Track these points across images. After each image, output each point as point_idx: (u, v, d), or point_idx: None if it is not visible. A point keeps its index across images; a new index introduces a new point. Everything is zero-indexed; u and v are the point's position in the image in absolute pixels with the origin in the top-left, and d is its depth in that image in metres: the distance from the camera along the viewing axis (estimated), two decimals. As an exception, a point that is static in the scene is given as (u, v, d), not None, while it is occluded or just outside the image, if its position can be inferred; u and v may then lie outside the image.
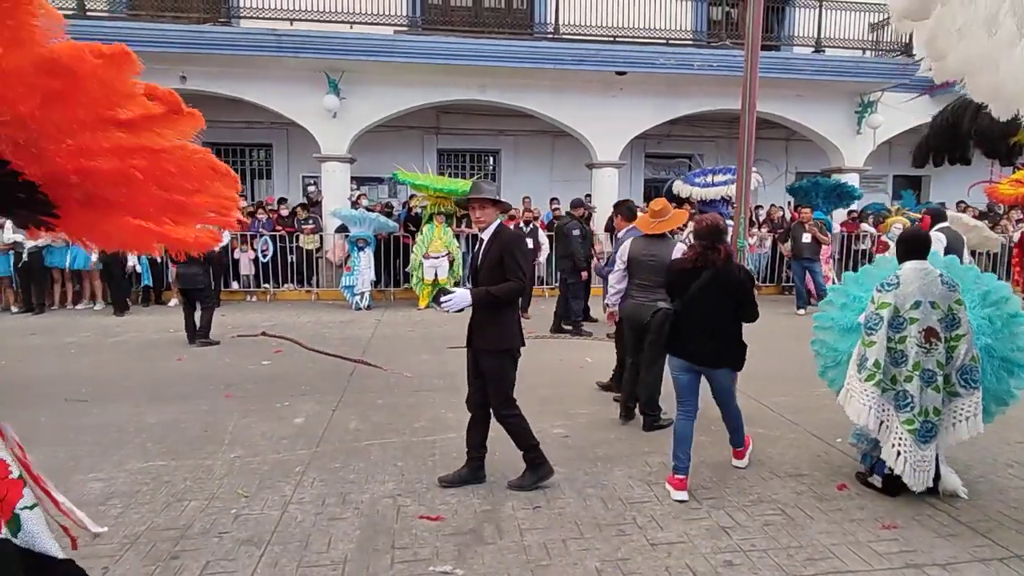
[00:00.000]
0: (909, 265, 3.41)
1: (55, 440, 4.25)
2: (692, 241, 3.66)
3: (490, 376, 3.45)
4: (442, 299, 3.33)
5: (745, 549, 2.94)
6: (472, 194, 3.49)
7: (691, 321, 3.51)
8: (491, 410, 3.51)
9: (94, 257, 9.29)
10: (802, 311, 9.78)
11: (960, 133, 5.23)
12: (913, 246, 3.47)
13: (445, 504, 3.35)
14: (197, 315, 7.47)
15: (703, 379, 3.63)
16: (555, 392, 5.32)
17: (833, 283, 7.86)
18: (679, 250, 4.32)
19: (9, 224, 9.14)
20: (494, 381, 3.44)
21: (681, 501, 3.40)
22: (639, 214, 5.13)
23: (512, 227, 9.26)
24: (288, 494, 3.47)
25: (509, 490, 3.52)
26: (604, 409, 5.00)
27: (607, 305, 4.96)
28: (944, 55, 2.80)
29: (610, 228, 12.02)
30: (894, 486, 3.45)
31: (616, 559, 2.85)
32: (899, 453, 3.33)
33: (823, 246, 10.29)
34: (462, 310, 3.43)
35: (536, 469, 3.56)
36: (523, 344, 3.52)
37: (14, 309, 9.64)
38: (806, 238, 9.98)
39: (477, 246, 3.56)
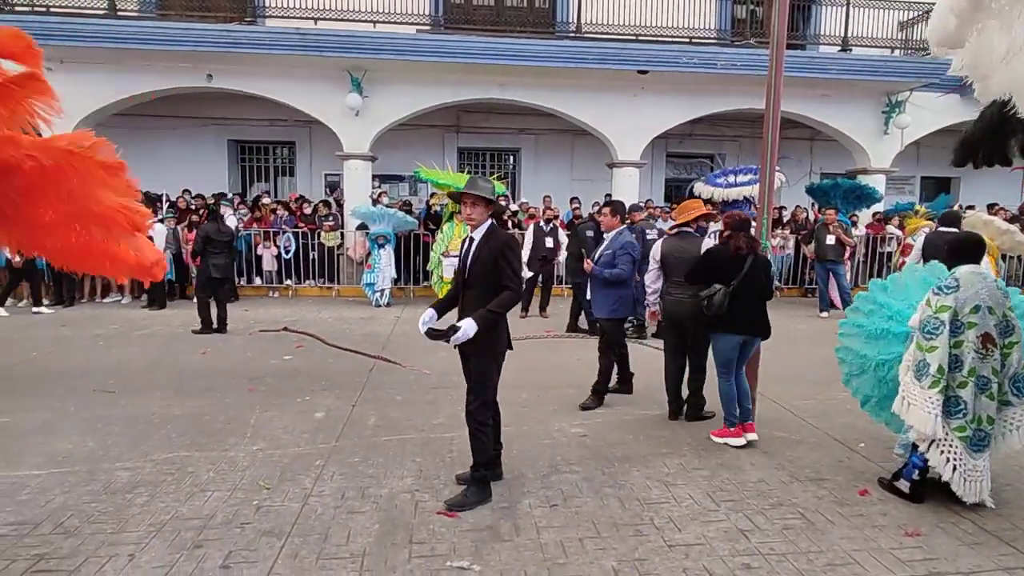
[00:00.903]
0: (965, 269, 3.32)
1: (84, 430, 4.37)
2: (727, 233, 4.26)
3: (476, 378, 3.34)
4: (451, 337, 3.16)
5: (764, 553, 2.92)
6: (467, 188, 3.33)
7: (744, 299, 4.11)
8: (466, 410, 3.36)
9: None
10: (825, 314, 9.63)
11: (1009, 129, 5.04)
12: (966, 249, 3.40)
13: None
14: (213, 311, 7.76)
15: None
16: (573, 392, 5.32)
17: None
18: (708, 245, 4.68)
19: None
20: (479, 384, 3.33)
21: (742, 446, 4.15)
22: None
23: (533, 226, 9.29)
24: (308, 487, 3.52)
25: (452, 504, 3.30)
26: (622, 409, 4.98)
27: (648, 304, 5.05)
28: (987, 77, 2.80)
29: (630, 227, 12.00)
30: (919, 493, 3.39)
31: (633, 559, 2.84)
32: (948, 460, 3.25)
33: (847, 248, 10.12)
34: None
35: (482, 489, 3.38)
36: (510, 348, 3.43)
37: (46, 302, 9.89)
38: (830, 240, 9.82)
39: (466, 245, 3.40)
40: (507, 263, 3.24)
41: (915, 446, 3.40)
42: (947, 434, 3.25)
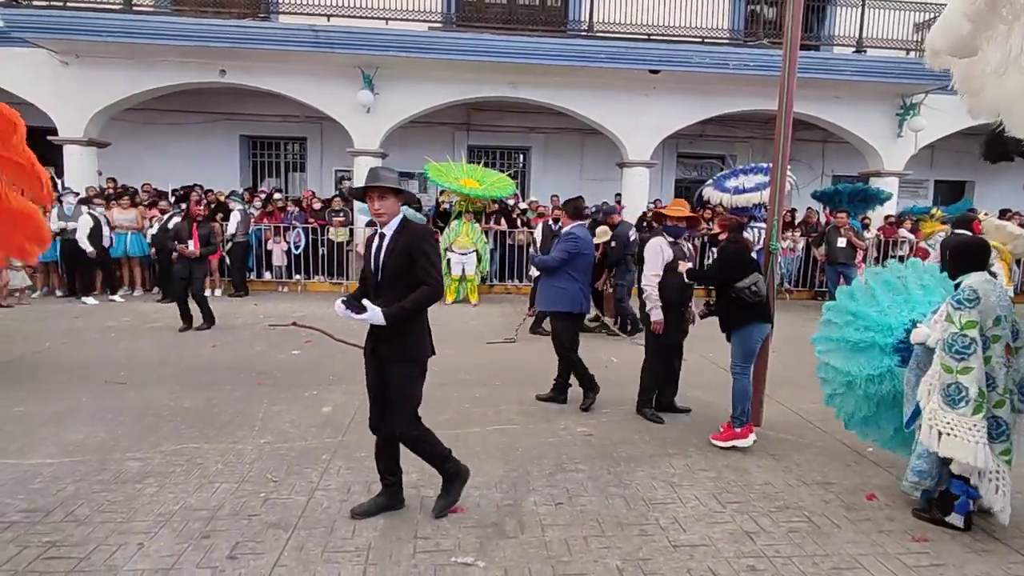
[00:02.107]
0: (978, 277, 3.09)
1: (95, 420, 4.42)
2: (730, 236, 4.46)
3: (396, 390, 2.99)
4: (355, 314, 2.91)
5: (769, 555, 2.91)
6: (369, 181, 2.99)
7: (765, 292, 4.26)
8: (396, 432, 3.05)
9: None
10: None
11: None
12: (972, 254, 3.16)
13: (467, 497, 3.38)
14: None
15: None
16: (580, 391, 5.31)
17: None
18: (660, 246, 4.72)
19: (55, 212, 9.49)
20: (400, 397, 2.99)
21: (752, 443, 4.18)
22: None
23: (542, 225, 9.29)
24: (315, 480, 3.54)
25: (440, 510, 3.19)
26: (628, 409, 4.98)
27: (651, 309, 4.71)
28: (979, 91, 2.72)
29: (639, 227, 11.97)
30: (970, 521, 3.17)
31: (637, 559, 2.84)
32: (998, 488, 3.02)
33: (858, 251, 10.06)
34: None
35: (453, 479, 3.21)
36: (433, 353, 3.12)
37: (59, 293, 10.00)
38: (841, 242, 9.76)
39: (377, 241, 3.02)
40: (427, 259, 2.93)
41: (951, 472, 3.15)
42: (994, 460, 2.99)
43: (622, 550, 2.91)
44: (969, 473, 3.08)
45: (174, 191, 11.89)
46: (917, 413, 3.28)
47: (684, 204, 5.15)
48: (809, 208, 12.63)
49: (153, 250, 9.96)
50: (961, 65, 2.84)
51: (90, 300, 9.41)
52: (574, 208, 5.25)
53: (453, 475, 3.24)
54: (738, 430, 4.21)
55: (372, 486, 3.49)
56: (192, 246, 7.66)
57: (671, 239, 4.80)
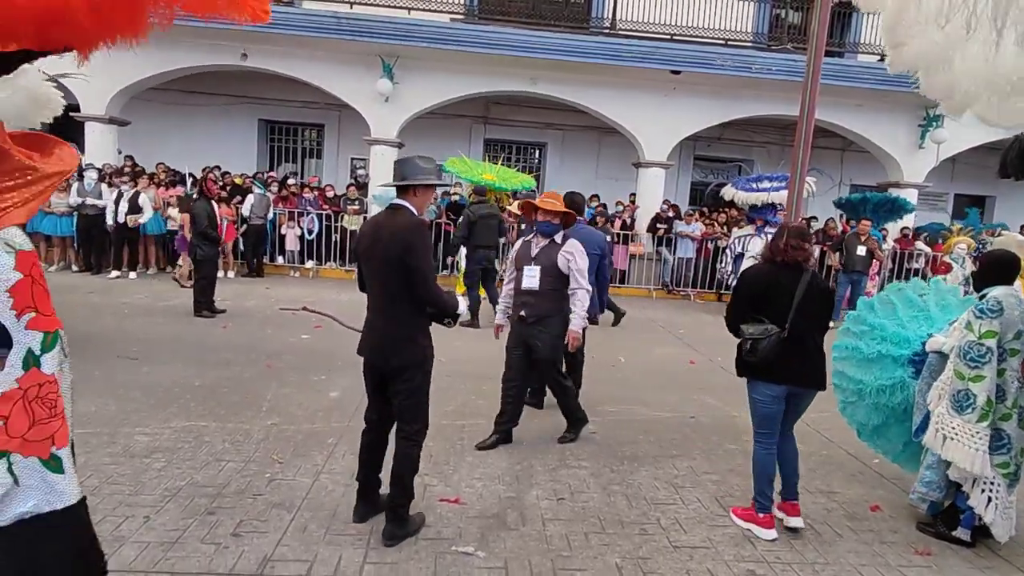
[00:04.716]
0: (1004, 290, 3.10)
1: (106, 393, 4.48)
2: (782, 243, 3.12)
3: (409, 395, 2.83)
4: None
5: (769, 560, 2.90)
6: (421, 178, 2.83)
7: (792, 336, 3.03)
8: (402, 432, 2.87)
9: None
10: (833, 323, 9.54)
11: None
12: (1002, 267, 3.16)
13: (471, 488, 3.40)
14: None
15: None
16: (586, 388, 5.31)
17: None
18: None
19: (75, 187, 9.60)
20: (413, 402, 2.85)
21: (773, 540, 3.06)
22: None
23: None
24: (320, 463, 3.58)
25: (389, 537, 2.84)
26: (633, 409, 4.98)
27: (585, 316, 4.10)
28: (902, 44, 2.66)
29: (652, 228, 11.93)
30: (975, 537, 3.17)
31: (637, 557, 2.85)
32: (990, 499, 3.05)
33: (874, 261, 9.97)
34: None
35: (406, 522, 2.87)
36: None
37: (74, 268, 10.13)
38: (861, 251, 9.64)
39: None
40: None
41: (959, 486, 3.17)
42: (989, 471, 3.03)
43: (622, 548, 2.92)
44: (964, 480, 3.12)
45: (190, 174, 11.99)
46: (927, 423, 3.28)
47: (558, 197, 4.18)
48: (831, 219, 12.38)
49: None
50: (888, 18, 2.80)
51: (113, 273, 9.59)
52: (571, 203, 4.82)
53: (404, 519, 2.87)
54: (760, 516, 3.16)
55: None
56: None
57: (544, 239, 4.00)
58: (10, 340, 1.40)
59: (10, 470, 1.45)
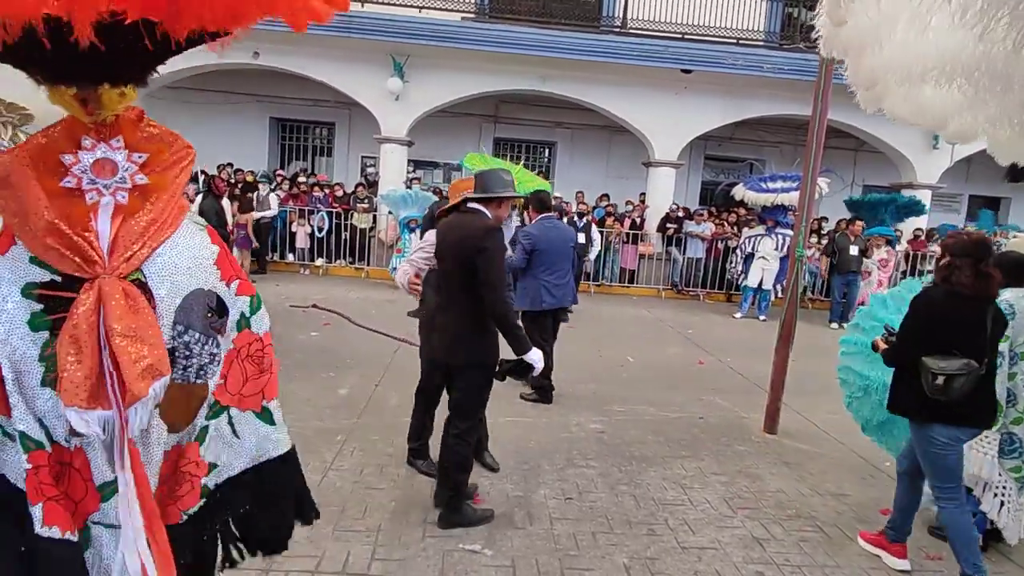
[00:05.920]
0: (1017, 293, 3.05)
1: (118, 389, 4.52)
2: (950, 261, 2.69)
3: (467, 391, 3.00)
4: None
5: (778, 563, 2.89)
6: (500, 190, 2.95)
7: (991, 369, 2.72)
8: (454, 428, 2.97)
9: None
10: (834, 324, 9.50)
11: None
12: (1018, 271, 3.12)
13: (479, 486, 3.40)
14: None
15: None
16: (594, 388, 5.32)
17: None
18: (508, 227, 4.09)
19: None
20: (469, 398, 3.01)
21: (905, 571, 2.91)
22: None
23: (564, 221, 9.28)
24: (329, 460, 3.59)
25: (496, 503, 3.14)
26: (642, 409, 4.96)
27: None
28: (841, 22, 2.60)
29: (662, 228, 11.90)
30: (987, 540, 3.14)
31: (645, 557, 2.84)
32: (1003, 503, 3.02)
33: (881, 265, 9.86)
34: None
35: (458, 511, 3.00)
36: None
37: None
38: (853, 251, 9.56)
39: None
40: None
41: (970, 490, 3.13)
42: (1001, 475, 3.01)
43: (630, 548, 2.91)
44: (974, 484, 3.09)
45: (203, 171, 12.08)
46: None
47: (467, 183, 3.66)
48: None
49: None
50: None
51: None
52: (538, 201, 4.92)
53: (455, 508, 3.02)
54: (893, 545, 2.96)
55: (385, 468, 3.53)
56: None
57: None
58: (226, 308, 1.49)
59: (230, 423, 1.56)
